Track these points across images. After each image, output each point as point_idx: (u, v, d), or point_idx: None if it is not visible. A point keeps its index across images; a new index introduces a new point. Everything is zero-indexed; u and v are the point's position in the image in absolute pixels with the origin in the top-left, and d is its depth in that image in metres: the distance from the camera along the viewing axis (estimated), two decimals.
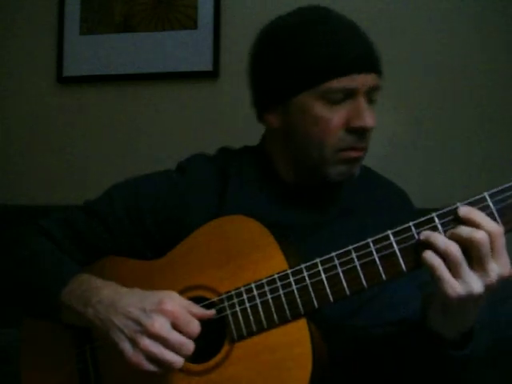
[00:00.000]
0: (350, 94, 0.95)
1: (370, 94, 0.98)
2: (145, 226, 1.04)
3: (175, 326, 0.85)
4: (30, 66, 2.11)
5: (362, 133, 0.97)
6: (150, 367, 0.84)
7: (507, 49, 1.81)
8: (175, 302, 0.86)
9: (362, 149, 0.99)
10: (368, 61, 0.97)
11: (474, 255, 0.78)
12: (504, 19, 1.81)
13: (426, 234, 0.82)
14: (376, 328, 0.98)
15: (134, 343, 0.84)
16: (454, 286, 0.78)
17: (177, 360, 0.84)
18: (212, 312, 0.91)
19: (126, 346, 0.84)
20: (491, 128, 1.81)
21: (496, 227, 0.78)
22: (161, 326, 0.84)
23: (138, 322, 0.84)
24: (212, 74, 1.98)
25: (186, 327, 0.86)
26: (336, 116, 0.96)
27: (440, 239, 0.80)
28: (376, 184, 1.13)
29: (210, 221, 0.97)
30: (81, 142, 2.07)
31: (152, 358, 0.84)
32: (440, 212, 0.83)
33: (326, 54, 0.95)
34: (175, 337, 0.84)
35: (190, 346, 0.85)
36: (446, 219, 0.82)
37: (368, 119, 0.95)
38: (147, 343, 0.83)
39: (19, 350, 1.06)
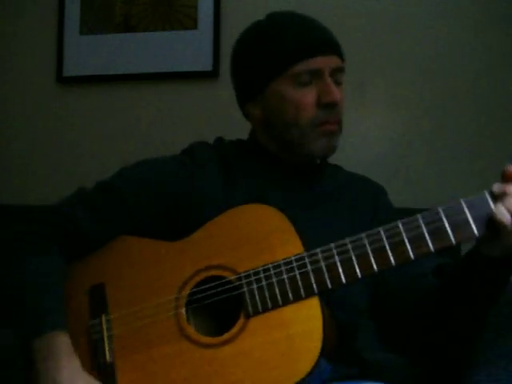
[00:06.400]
0: (316, 75, 1.08)
1: (336, 76, 1.10)
2: (163, 198, 1.08)
3: None
4: (30, 66, 2.11)
5: (332, 107, 1.08)
6: None
7: (506, 48, 1.82)
8: None
9: (335, 122, 1.09)
10: (329, 45, 1.10)
11: None
12: (504, 19, 1.82)
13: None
14: None
15: None
16: None
17: None
18: None
19: None
20: (491, 127, 1.82)
21: None
22: None
23: None
24: (212, 74, 1.99)
25: None
26: (307, 96, 1.07)
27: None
28: (350, 173, 1.24)
29: (218, 199, 1.06)
30: (81, 142, 2.07)
31: None
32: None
33: (291, 41, 1.08)
34: None
35: None
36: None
37: (335, 94, 1.07)
38: None
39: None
